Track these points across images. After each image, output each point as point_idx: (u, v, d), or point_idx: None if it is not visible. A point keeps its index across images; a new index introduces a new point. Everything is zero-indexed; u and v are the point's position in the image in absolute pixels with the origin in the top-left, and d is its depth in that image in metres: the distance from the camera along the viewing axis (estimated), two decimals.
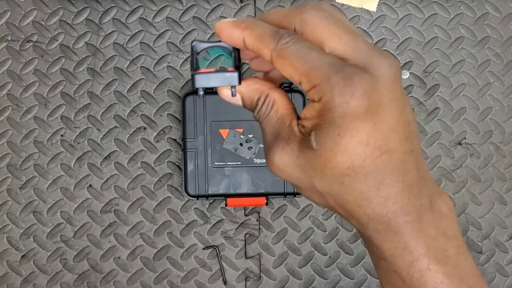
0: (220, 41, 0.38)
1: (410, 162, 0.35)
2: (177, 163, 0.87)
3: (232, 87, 0.37)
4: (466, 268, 0.36)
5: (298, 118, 0.37)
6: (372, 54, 0.34)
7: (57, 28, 0.88)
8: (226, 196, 0.83)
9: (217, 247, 0.86)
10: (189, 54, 0.88)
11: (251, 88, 0.38)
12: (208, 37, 0.88)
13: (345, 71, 0.33)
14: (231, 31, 0.36)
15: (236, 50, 0.38)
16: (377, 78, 0.33)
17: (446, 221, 0.36)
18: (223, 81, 0.37)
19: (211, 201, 0.86)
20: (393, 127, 0.34)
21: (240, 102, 0.39)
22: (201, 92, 0.38)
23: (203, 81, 0.37)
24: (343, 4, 0.89)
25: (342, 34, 0.34)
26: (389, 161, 0.34)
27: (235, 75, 0.37)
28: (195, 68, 0.38)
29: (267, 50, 0.35)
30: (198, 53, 0.39)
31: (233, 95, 0.38)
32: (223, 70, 0.37)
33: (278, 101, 0.37)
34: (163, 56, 0.88)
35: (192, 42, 0.39)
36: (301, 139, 0.35)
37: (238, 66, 0.38)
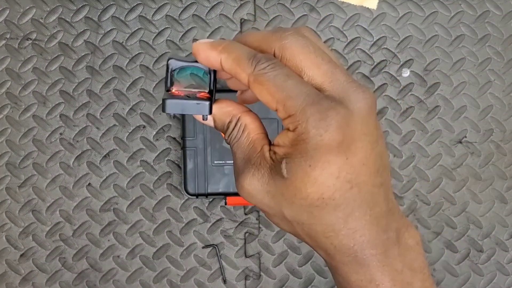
0: (197, 61, 0.37)
1: (379, 195, 0.35)
2: (176, 162, 0.86)
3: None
4: None
5: (270, 143, 0.37)
6: (349, 86, 0.34)
7: (56, 26, 0.88)
8: (225, 194, 0.83)
9: (216, 246, 0.86)
10: (189, 52, 0.87)
11: (222, 111, 0.38)
12: (207, 35, 0.88)
13: (321, 103, 0.33)
14: (208, 53, 0.36)
15: (213, 71, 0.38)
16: (352, 112, 0.33)
17: (412, 254, 0.36)
18: (194, 110, 0.36)
19: (210, 200, 0.86)
20: (364, 161, 0.34)
21: (211, 123, 0.39)
22: (172, 115, 0.38)
23: (173, 108, 0.36)
24: (343, 2, 0.88)
25: (321, 64, 0.34)
26: (358, 194, 0.34)
27: (206, 105, 0.36)
28: (168, 87, 0.38)
29: (244, 74, 0.35)
30: (174, 71, 0.38)
31: (204, 119, 0.38)
32: (194, 97, 0.36)
33: (249, 126, 0.37)
34: (162, 54, 0.88)
35: (168, 59, 0.38)
36: (272, 165, 0.35)
37: (212, 90, 0.38)
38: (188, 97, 0.37)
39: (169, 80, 0.38)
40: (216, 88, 0.39)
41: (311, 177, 0.33)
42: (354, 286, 0.36)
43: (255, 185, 0.36)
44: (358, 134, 0.34)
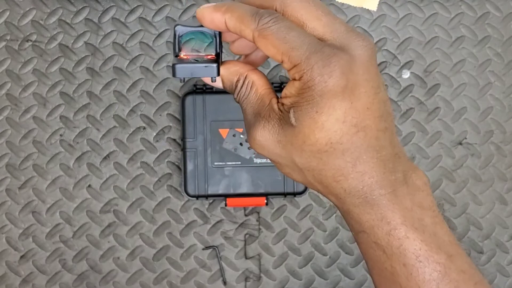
0: (202, 25, 0.39)
1: (384, 139, 0.37)
2: (176, 163, 0.86)
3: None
4: (443, 236, 0.37)
5: (278, 97, 0.38)
6: (350, 35, 0.36)
7: (56, 28, 0.88)
8: (225, 196, 0.83)
9: (216, 247, 0.86)
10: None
11: (230, 71, 0.39)
12: None
13: (324, 51, 0.35)
14: (213, 16, 0.37)
15: (218, 34, 0.39)
16: (354, 58, 0.35)
17: (421, 193, 0.38)
18: (203, 73, 0.38)
19: (210, 201, 0.86)
20: (368, 106, 0.35)
21: (220, 85, 0.40)
22: (182, 83, 0.39)
23: (183, 72, 0.38)
24: (343, 4, 0.88)
25: (321, 16, 0.36)
26: (364, 138, 0.36)
27: (214, 67, 0.38)
28: (176, 53, 0.39)
29: (248, 31, 0.36)
30: (181, 36, 0.40)
31: (212, 81, 0.39)
32: (203, 60, 0.39)
33: (257, 82, 0.39)
34: (162, 56, 0.88)
35: (174, 26, 0.40)
36: (281, 116, 0.37)
37: (218, 53, 0.39)
38: (196, 60, 0.39)
39: (177, 45, 0.40)
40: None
41: (318, 122, 0.35)
42: (367, 226, 0.37)
43: (266, 136, 0.37)
44: (361, 80, 0.35)
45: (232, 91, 0.40)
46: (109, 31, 0.88)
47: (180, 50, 0.39)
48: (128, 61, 0.87)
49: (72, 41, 0.87)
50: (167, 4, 0.88)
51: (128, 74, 0.87)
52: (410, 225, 0.36)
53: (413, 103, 0.88)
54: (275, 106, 0.37)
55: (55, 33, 0.88)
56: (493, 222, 0.87)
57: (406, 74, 0.88)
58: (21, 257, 0.85)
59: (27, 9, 0.88)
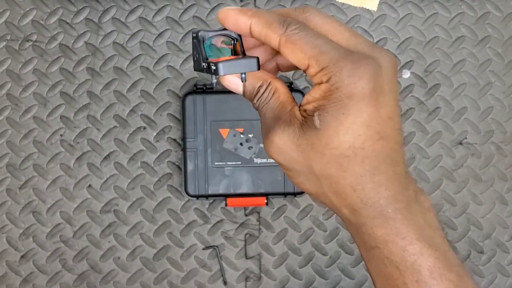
0: (224, 29, 0.39)
1: (399, 155, 0.37)
2: (177, 163, 0.86)
3: (242, 72, 0.38)
4: (452, 257, 0.38)
5: (298, 105, 0.38)
6: (374, 48, 0.36)
7: (56, 28, 0.88)
8: (226, 196, 0.83)
9: (217, 247, 0.86)
10: (189, 54, 0.87)
11: (254, 76, 0.40)
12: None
13: (353, 55, 0.35)
14: (238, 18, 0.38)
15: (239, 37, 0.39)
16: (381, 67, 0.36)
17: (429, 214, 0.38)
18: (245, 68, 0.38)
19: (211, 201, 0.86)
20: (390, 115, 0.36)
21: (240, 89, 0.40)
22: (215, 80, 0.39)
23: (227, 69, 0.38)
24: (343, 3, 0.88)
25: (344, 31, 0.37)
26: (384, 147, 0.36)
27: (254, 61, 0.38)
28: (205, 57, 0.39)
29: (275, 36, 0.37)
30: (204, 42, 0.39)
31: (243, 80, 0.39)
32: (242, 57, 0.39)
33: (280, 89, 0.39)
34: (163, 56, 0.88)
35: (198, 32, 0.39)
36: (303, 121, 0.37)
37: (244, 52, 0.39)
38: (237, 58, 0.39)
39: (203, 51, 0.39)
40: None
41: (344, 124, 0.35)
42: (381, 241, 0.37)
43: (285, 140, 0.37)
44: (386, 88, 0.36)
45: (252, 96, 0.40)
46: (110, 31, 0.88)
47: (207, 55, 0.39)
48: (128, 61, 0.87)
49: (72, 41, 0.87)
50: (167, 4, 0.88)
51: (129, 74, 0.87)
52: (424, 242, 0.37)
53: (414, 103, 0.88)
54: (297, 113, 0.37)
55: (55, 33, 0.88)
56: (493, 222, 0.87)
57: (406, 74, 0.88)
58: (22, 257, 0.85)
59: (28, 9, 0.88)
